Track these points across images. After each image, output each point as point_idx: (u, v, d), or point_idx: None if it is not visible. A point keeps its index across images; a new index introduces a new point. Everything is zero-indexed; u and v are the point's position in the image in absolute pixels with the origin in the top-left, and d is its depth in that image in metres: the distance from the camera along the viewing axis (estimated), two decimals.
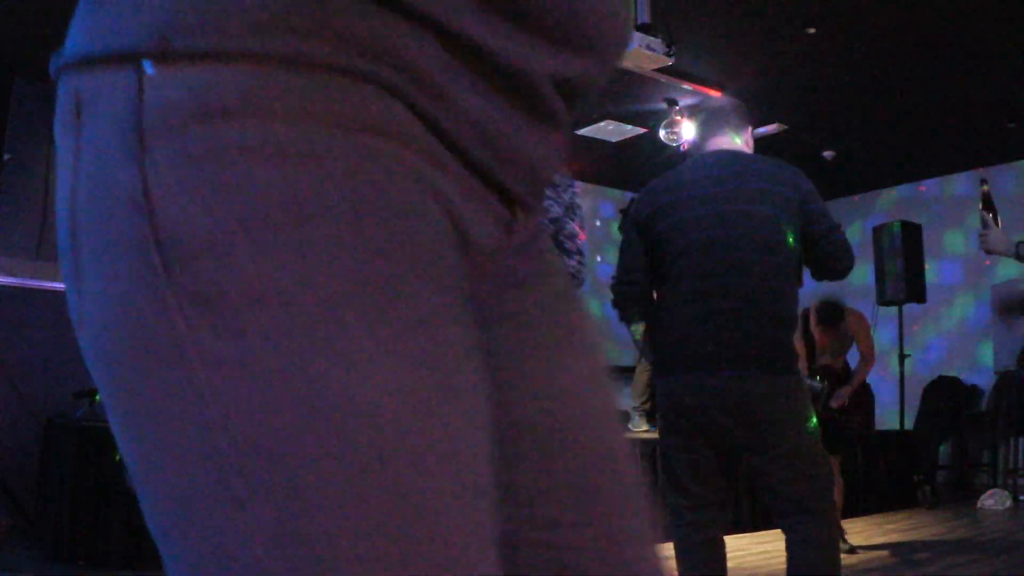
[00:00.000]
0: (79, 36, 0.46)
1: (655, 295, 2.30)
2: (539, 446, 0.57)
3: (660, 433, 2.22)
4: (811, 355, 4.34)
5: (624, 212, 8.89)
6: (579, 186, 2.41)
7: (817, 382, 4.15)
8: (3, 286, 4.22)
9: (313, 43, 0.43)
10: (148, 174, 0.42)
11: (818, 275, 2.24)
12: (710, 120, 2.28)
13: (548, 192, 2.29)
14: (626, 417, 6.32)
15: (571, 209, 2.33)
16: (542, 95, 0.51)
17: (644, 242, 2.22)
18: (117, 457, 3.38)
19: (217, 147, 0.41)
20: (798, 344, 3.59)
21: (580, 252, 2.32)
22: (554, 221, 2.32)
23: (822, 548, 2.03)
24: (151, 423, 0.43)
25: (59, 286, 4.32)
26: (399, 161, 0.45)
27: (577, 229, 2.33)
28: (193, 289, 0.41)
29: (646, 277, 2.25)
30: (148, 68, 0.42)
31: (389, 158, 0.45)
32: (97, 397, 4.02)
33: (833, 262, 2.15)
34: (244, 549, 0.40)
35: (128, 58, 0.43)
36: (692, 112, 2.42)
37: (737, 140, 2.25)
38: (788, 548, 2.06)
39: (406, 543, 0.41)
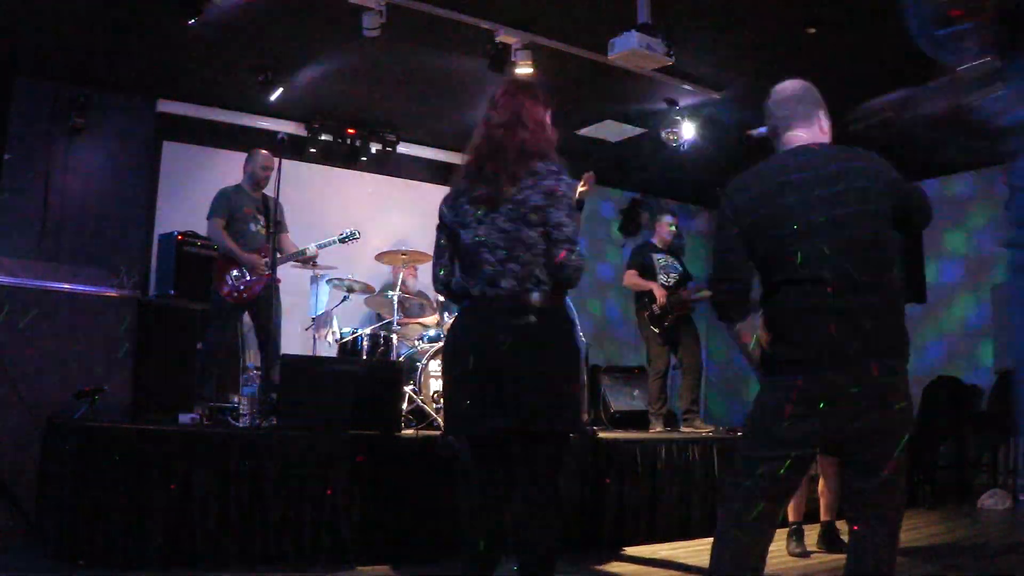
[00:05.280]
0: None
1: (762, 297, 2.25)
2: None
3: (753, 433, 2.14)
4: None
5: (632, 207, 8.84)
6: (565, 176, 2.35)
7: None
8: (3, 286, 4.21)
9: None
10: None
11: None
12: (789, 108, 2.33)
13: (527, 181, 2.28)
14: (644, 419, 6.35)
15: (552, 197, 2.28)
16: None
17: (746, 242, 2.18)
18: (117, 457, 3.38)
19: None
20: None
21: (569, 240, 2.28)
22: (536, 210, 2.27)
23: (894, 545, 2.10)
24: None
25: (59, 286, 4.32)
26: None
27: (564, 218, 2.28)
28: None
29: (748, 277, 2.22)
30: None
31: None
32: (97, 397, 4.02)
33: (927, 219, 2.34)
34: None
35: None
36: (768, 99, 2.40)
37: (817, 130, 2.31)
38: (861, 544, 2.12)
39: None
